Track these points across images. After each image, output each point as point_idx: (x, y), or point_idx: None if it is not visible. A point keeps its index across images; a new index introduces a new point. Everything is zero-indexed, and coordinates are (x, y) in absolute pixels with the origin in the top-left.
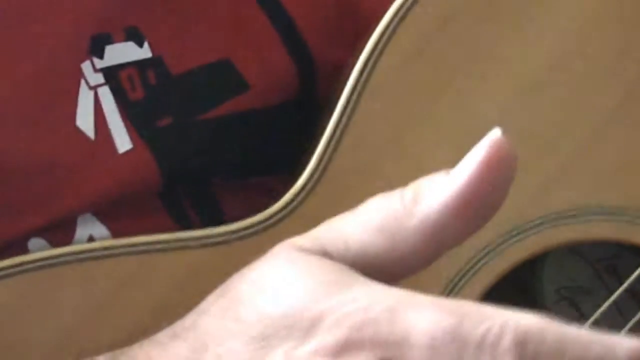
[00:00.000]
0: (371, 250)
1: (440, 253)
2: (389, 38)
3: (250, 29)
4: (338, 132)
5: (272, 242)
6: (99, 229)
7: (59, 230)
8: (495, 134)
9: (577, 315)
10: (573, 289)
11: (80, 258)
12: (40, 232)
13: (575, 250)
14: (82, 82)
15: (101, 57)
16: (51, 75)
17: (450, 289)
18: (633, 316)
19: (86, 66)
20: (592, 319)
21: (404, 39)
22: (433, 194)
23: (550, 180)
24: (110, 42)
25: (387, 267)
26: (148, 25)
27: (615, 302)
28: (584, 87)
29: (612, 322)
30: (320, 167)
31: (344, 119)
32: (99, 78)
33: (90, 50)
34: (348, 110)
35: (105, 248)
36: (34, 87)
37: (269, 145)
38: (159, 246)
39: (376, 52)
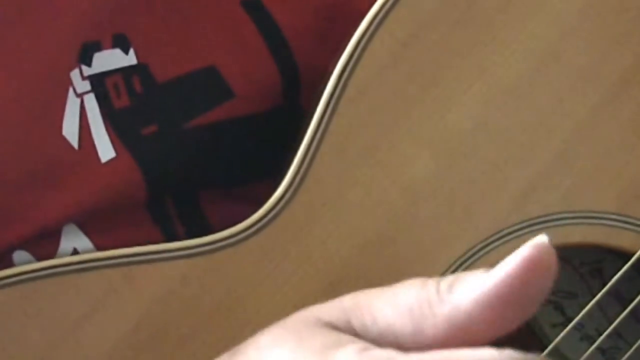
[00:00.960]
0: (397, 330)
1: (466, 345)
2: (365, 47)
3: (237, 36)
4: (315, 140)
5: (253, 252)
6: (83, 242)
7: (43, 243)
8: (541, 239)
9: (563, 319)
10: (558, 293)
11: (62, 271)
12: (24, 244)
13: (560, 255)
14: (71, 90)
15: (89, 64)
16: (42, 84)
17: None
18: (617, 318)
19: (75, 74)
20: (575, 319)
21: (380, 47)
22: (468, 285)
23: (529, 185)
24: (99, 50)
25: (409, 349)
26: (135, 33)
27: (599, 305)
28: (561, 92)
29: (596, 323)
30: (299, 176)
31: (322, 127)
32: (86, 85)
33: (80, 57)
34: (325, 118)
35: (86, 261)
36: (25, 95)
37: (255, 153)
38: (139, 258)
39: (352, 61)
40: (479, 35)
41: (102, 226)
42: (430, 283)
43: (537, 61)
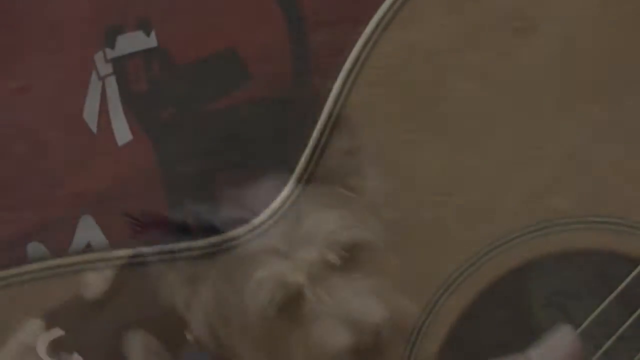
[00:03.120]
0: None
1: None
2: (374, 46)
3: (258, 16)
4: (323, 139)
5: (253, 254)
6: (97, 235)
7: (57, 235)
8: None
9: (565, 320)
10: (563, 294)
11: (50, 274)
12: (38, 234)
13: (565, 257)
14: (94, 73)
15: (113, 47)
16: (66, 66)
17: (441, 294)
18: (620, 320)
19: (99, 57)
20: (583, 326)
21: (389, 47)
22: None
23: (538, 190)
24: (122, 32)
25: None
26: (158, 16)
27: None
28: (571, 99)
29: (596, 322)
30: (306, 175)
31: (330, 125)
32: (109, 68)
33: (104, 40)
34: (334, 116)
35: (74, 264)
36: (49, 78)
37: (269, 136)
38: (131, 260)
39: (360, 60)
40: (491, 41)
41: (116, 216)
42: None
43: (549, 68)
